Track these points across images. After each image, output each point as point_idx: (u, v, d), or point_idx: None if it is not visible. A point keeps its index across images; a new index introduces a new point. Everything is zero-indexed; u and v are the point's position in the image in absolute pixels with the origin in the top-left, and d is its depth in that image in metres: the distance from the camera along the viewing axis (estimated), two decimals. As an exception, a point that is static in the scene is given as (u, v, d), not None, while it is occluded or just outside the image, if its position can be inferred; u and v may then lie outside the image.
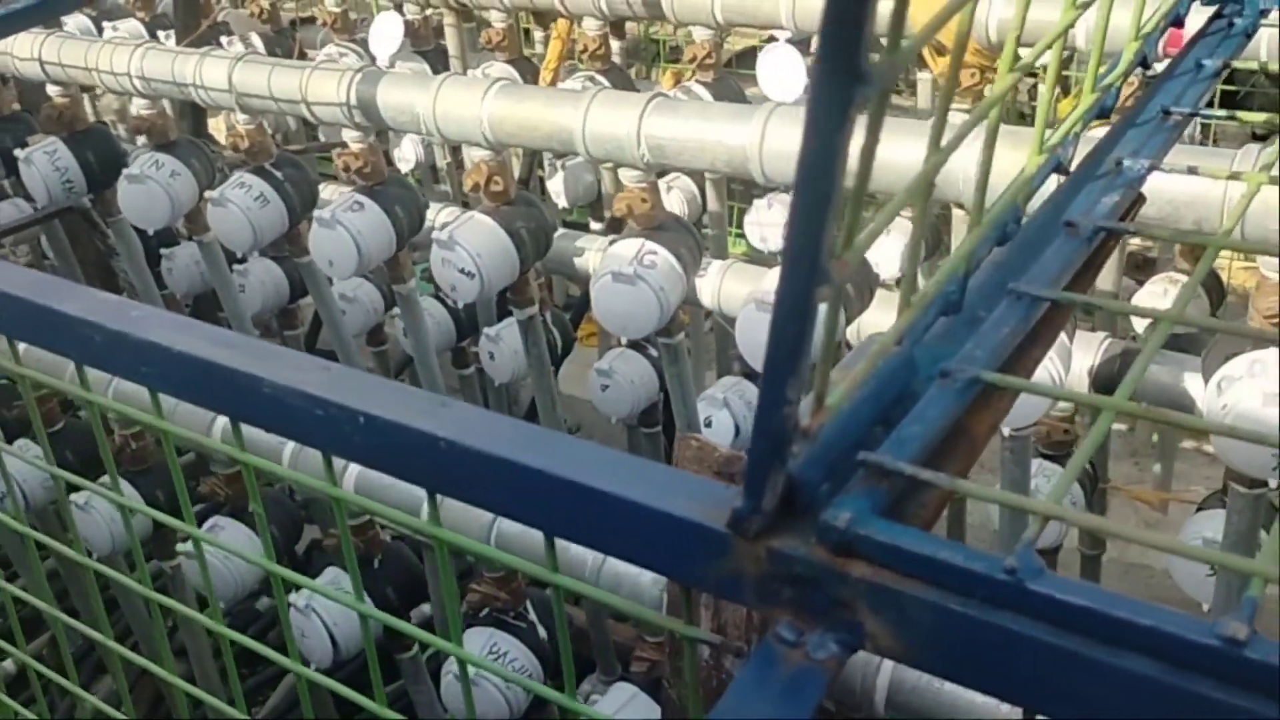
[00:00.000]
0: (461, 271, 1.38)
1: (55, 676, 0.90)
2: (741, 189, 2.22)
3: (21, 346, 0.82)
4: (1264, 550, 1.13)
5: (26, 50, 1.73)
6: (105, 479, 1.45)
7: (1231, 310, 1.98)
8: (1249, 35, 0.73)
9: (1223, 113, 0.64)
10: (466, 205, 1.99)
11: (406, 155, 2.22)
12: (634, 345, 1.70)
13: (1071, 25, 0.48)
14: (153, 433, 1.61)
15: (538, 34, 2.35)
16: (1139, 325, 1.66)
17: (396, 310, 1.98)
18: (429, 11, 2.09)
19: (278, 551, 1.46)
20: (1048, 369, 1.14)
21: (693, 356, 1.81)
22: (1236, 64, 0.78)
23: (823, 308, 0.37)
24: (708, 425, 1.58)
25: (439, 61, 2.07)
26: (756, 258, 1.84)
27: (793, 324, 0.36)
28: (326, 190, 1.75)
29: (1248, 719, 0.34)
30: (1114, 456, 1.98)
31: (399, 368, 2.11)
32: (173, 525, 0.77)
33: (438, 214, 1.74)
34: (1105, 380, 1.32)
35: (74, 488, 1.51)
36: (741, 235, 2.07)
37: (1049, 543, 1.44)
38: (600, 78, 1.80)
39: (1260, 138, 2.72)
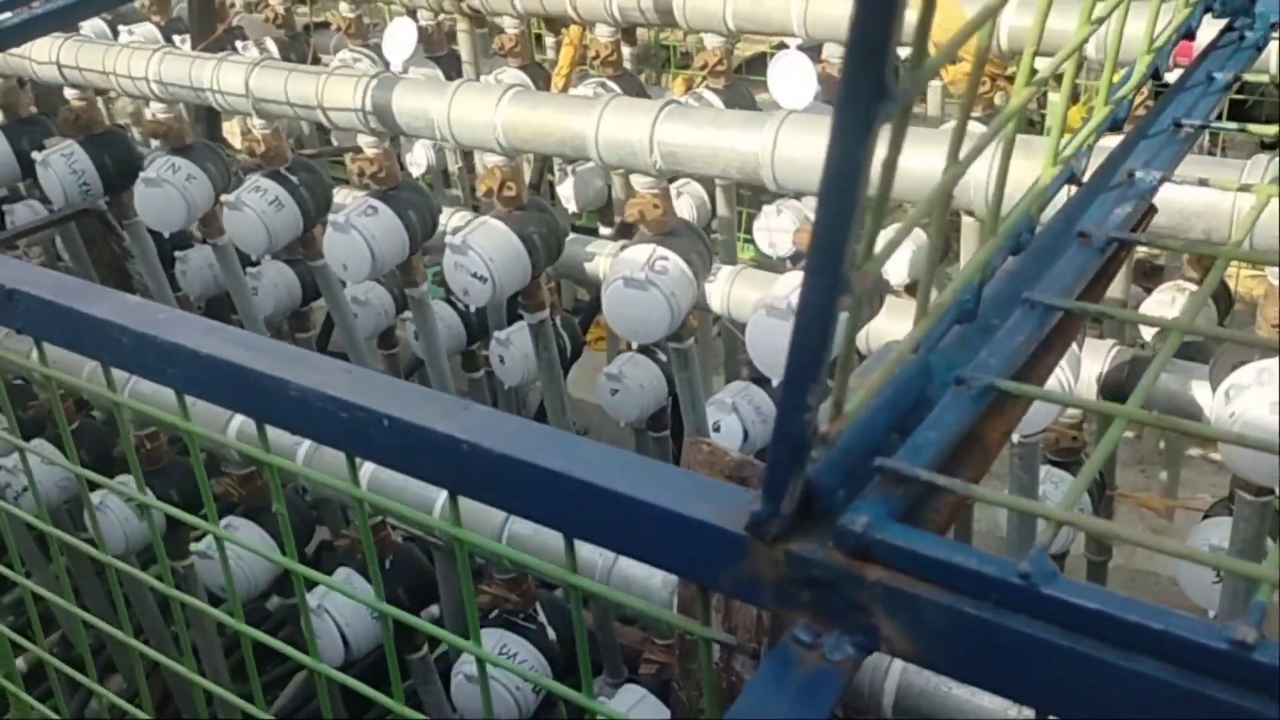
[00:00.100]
0: (474, 276, 1.39)
1: (73, 672, 0.91)
2: (749, 194, 2.23)
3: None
4: (1270, 557, 1.13)
5: (44, 54, 1.75)
6: (122, 478, 1.46)
7: (1239, 318, 1.98)
8: (1260, 48, 0.74)
9: (1234, 125, 0.65)
10: (477, 209, 2.01)
11: (418, 160, 2.24)
12: (643, 350, 1.71)
13: (1087, 39, 0.49)
14: (166, 432, 1.63)
15: (549, 40, 2.37)
16: (1147, 333, 1.67)
17: (407, 313, 1.99)
18: (442, 17, 2.10)
19: (290, 551, 1.47)
20: (1058, 376, 1.15)
21: (700, 361, 1.81)
22: (1245, 75, 0.79)
23: (843, 317, 0.38)
24: (716, 430, 1.59)
25: (452, 67, 2.08)
26: (765, 263, 1.85)
27: (814, 332, 0.37)
28: (339, 194, 1.76)
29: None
30: (1121, 464, 1.98)
31: (409, 370, 2.12)
32: (195, 524, 0.79)
33: (449, 218, 1.75)
34: (1114, 387, 1.33)
35: (92, 487, 1.53)
36: (749, 241, 2.08)
37: (1057, 549, 1.44)
38: (612, 84, 1.81)
39: (1269, 147, 2.72)
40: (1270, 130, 2.07)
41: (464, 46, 2.09)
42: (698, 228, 1.45)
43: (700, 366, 1.68)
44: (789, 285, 1.20)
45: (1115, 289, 1.64)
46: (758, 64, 2.76)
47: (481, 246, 1.38)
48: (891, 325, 1.40)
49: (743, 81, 1.89)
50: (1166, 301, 1.63)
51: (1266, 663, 0.35)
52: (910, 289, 1.82)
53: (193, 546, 1.44)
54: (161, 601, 1.83)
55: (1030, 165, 0.66)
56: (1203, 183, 0.71)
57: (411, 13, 2.07)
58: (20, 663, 1.59)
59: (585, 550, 1.16)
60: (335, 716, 1.62)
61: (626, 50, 1.95)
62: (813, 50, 1.68)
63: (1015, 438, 1.20)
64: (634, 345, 1.63)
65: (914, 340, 0.45)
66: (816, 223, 0.36)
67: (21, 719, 0.99)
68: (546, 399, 1.64)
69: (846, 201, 0.35)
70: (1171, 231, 0.97)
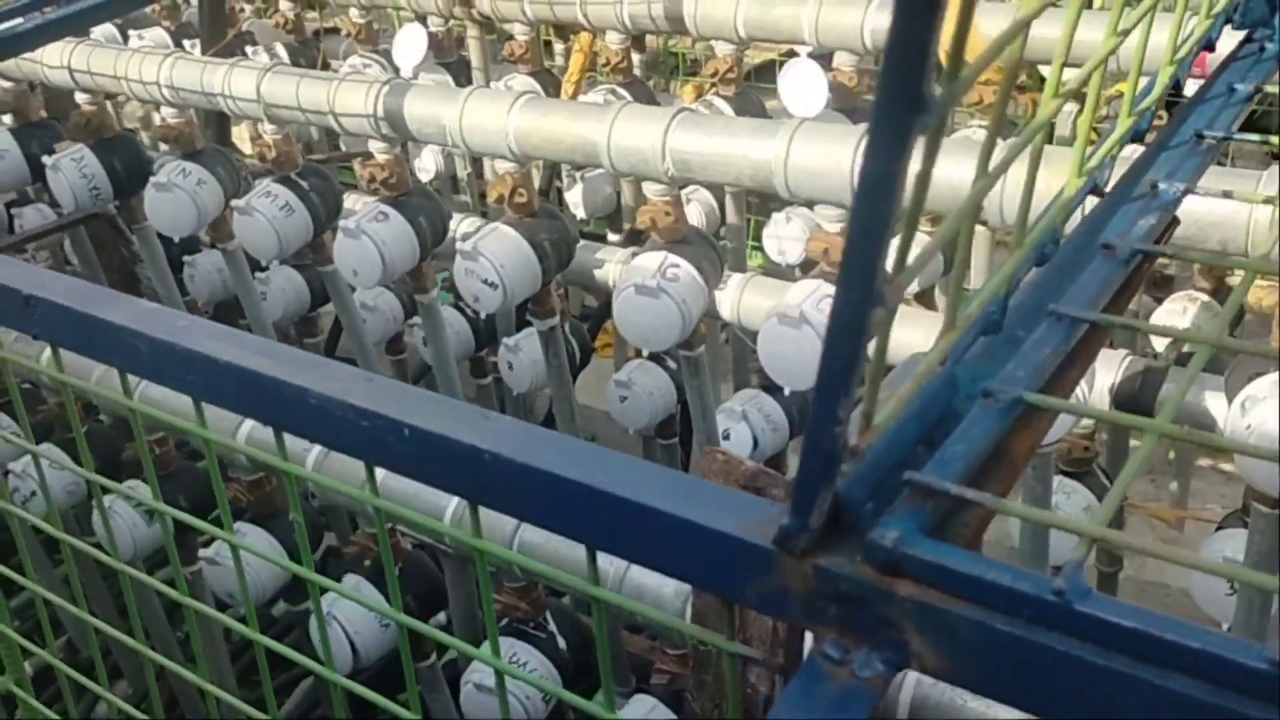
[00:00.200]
0: (485, 282, 1.39)
1: (82, 678, 0.91)
2: (756, 201, 2.23)
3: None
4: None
5: (56, 58, 1.75)
6: (129, 483, 1.45)
7: (1249, 329, 1.98)
8: (1280, 60, 0.74)
9: (1256, 136, 0.65)
10: (485, 215, 2.01)
11: (426, 165, 2.24)
12: (652, 357, 1.70)
13: (1114, 51, 0.49)
14: (174, 437, 1.62)
15: (558, 46, 2.37)
16: (1158, 343, 1.66)
17: (415, 319, 1.99)
18: (451, 24, 2.10)
19: (298, 558, 1.47)
20: (1070, 387, 1.14)
21: (709, 368, 1.81)
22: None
23: (876, 329, 0.37)
24: (726, 438, 1.59)
25: (461, 73, 2.08)
26: (773, 270, 1.85)
27: (846, 345, 0.37)
28: (347, 199, 1.76)
29: (1297, 742, 0.34)
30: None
31: (417, 376, 2.12)
32: (208, 531, 0.78)
33: (459, 224, 1.75)
34: (1127, 398, 1.32)
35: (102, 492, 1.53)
36: (757, 248, 2.08)
37: (1062, 560, 1.44)
38: (622, 91, 1.81)
39: (1278, 157, 2.72)
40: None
41: (474, 53, 2.09)
42: (709, 235, 1.45)
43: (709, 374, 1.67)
44: (801, 294, 1.20)
45: (1126, 299, 1.63)
46: (766, 71, 2.76)
47: (492, 253, 1.38)
48: (902, 333, 1.40)
49: (752, 89, 1.89)
50: (1178, 312, 1.62)
51: (1307, 683, 0.34)
52: (919, 297, 1.82)
53: (202, 552, 1.43)
54: (168, 607, 1.83)
55: (1045, 175, 0.65)
56: (1227, 195, 0.71)
57: (421, 19, 2.08)
58: (26, 667, 1.60)
59: (600, 559, 1.16)
60: (343, 723, 1.62)
61: (636, 57, 1.95)
62: (823, 58, 1.68)
63: (1028, 448, 1.19)
64: (645, 353, 1.63)
65: (942, 352, 0.44)
66: (849, 235, 0.35)
67: (30, 723, 0.99)
68: (556, 406, 1.64)
69: (880, 214, 0.34)
70: (1188, 242, 0.97)
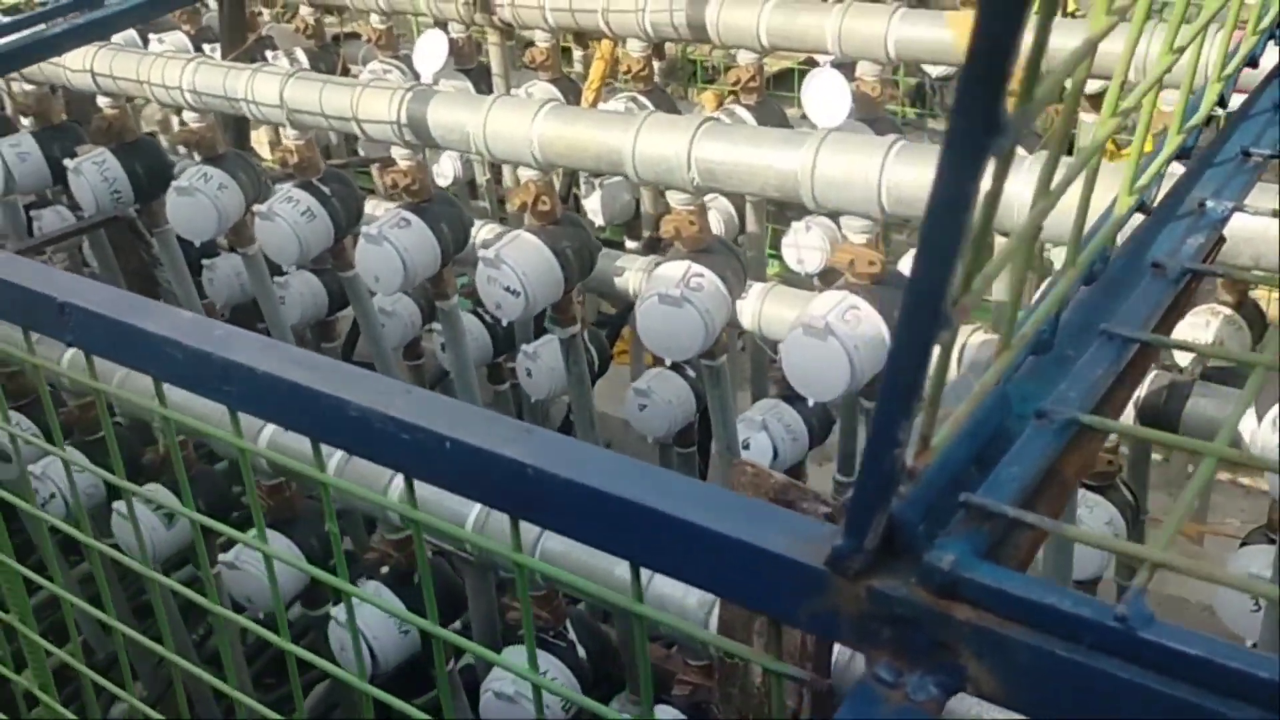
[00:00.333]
0: (507, 289, 1.39)
1: (102, 680, 0.91)
2: (773, 210, 2.23)
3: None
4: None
5: (79, 62, 1.76)
6: (150, 486, 1.45)
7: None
8: (1325, 76, 0.73)
9: (1303, 153, 0.64)
10: (504, 221, 2.01)
11: (445, 171, 2.24)
12: (672, 365, 1.70)
13: (1169, 70, 0.48)
14: (191, 439, 1.62)
15: (576, 53, 2.37)
16: (1180, 358, 1.65)
17: (433, 325, 1.99)
18: (472, 30, 2.11)
19: (319, 563, 1.47)
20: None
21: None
22: None
23: (937, 351, 0.37)
24: (745, 447, 1.58)
25: (481, 79, 2.08)
26: (790, 279, 1.84)
27: (910, 367, 0.37)
28: (366, 205, 1.76)
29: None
30: (1149, 487, 1.96)
31: (434, 382, 2.12)
32: (237, 538, 0.78)
33: (478, 231, 1.75)
34: (1152, 412, 1.32)
35: (116, 496, 1.53)
36: (775, 256, 2.07)
37: (1090, 574, 1.43)
38: (643, 98, 1.81)
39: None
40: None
41: (494, 59, 2.09)
42: (732, 245, 1.44)
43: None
44: (826, 305, 1.20)
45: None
46: (784, 80, 2.76)
47: (515, 260, 1.37)
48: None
49: (772, 98, 1.88)
50: (1201, 325, 1.61)
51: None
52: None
53: (222, 557, 1.43)
54: (182, 610, 1.83)
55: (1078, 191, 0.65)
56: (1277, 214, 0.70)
57: (442, 25, 2.08)
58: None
59: (619, 569, 1.15)
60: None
61: (656, 65, 1.95)
62: (842, 67, 1.68)
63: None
64: (667, 361, 1.63)
65: (998, 372, 0.44)
66: (919, 256, 0.35)
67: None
68: (576, 413, 1.64)
69: (951, 236, 0.34)
70: (1220, 258, 0.96)
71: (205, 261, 2.00)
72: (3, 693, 1.50)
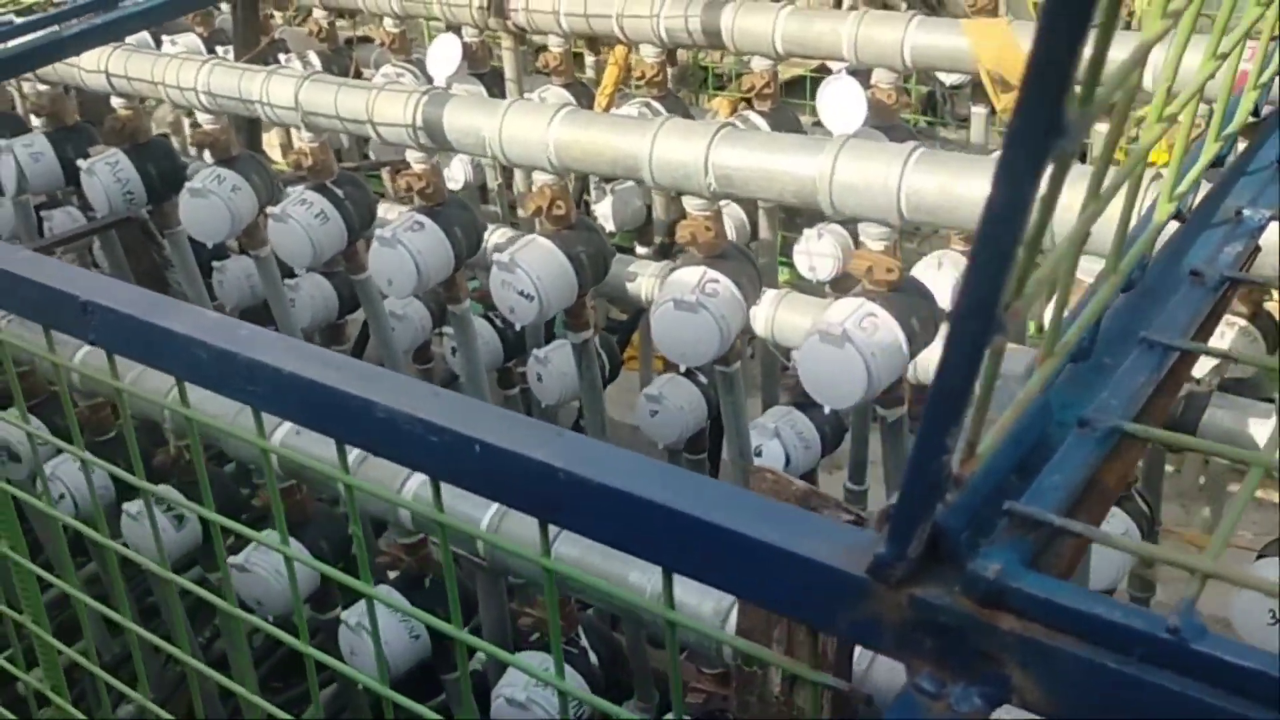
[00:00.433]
0: (521, 294, 1.38)
1: (115, 681, 0.91)
2: (783, 217, 2.22)
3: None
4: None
5: (93, 62, 1.76)
6: (161, 488, 1.45)
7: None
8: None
9: (1338, 163, 0.64)
10: (515, 226, 2.00)
11: (455, 175, 2.24)
12: (684, 371, 1.69)
13: (1212, 76, 0.48)
14: (202, 440, 1.62)
15: (589, 59, 2.37)
16: (1196, 368, 1.64)
17: (442, 329, 1.99)
18: (485, 34, 2.11)
19: (330, 566, 1.46)
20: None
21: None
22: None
23: (987, 355, 0.36)
24: (758, 454, 1.57)
25: (494, 84, 2.08)
26: (801, 286, 1.84)
27: (961, 373, 0.36)
28: (378, 208, 1.76)
29: None
30: (1162, 498, 1.95)
31: (443, 385, 2.11)
32: (254, 538, 0.78)
33: (490, 235, 1.74)
34: (1169, 422, 1.31)
35: (126, 497, 1.52)
36: (785, 263, 2.07)
37: (1104, 585, 1.42)
38: (656, 104, 1.81)
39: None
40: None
41: (508, 64, 2.09)
42: (748, 251, 1.44)
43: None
44: (843, 312, 1.19)
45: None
46: (796, 88, 2.76)
47: (529, 265, 1.37)
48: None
49: (785, 105, 1.88)
50: (1216, 336, 1.61)
51: None
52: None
53: (231, 559, 1.42)
54: (189, 611, 1.83)
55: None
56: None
57: (455, 29, 2.08)
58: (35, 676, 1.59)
59: (634, 574, 1.14)
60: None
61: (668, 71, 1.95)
62: (856, 74, 1.67)
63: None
64: (681, 368, 1.62)
65: (1043, 380, 0.43)
66: (972, 259, 0.34)
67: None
68: (588, 419, 1.63)
69: (1006, 239, 0.33)
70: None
71: (215, 263, 1.99)
72: (11, 692, 1.49)
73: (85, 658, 0.94)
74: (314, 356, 0.60)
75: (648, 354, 2.30)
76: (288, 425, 1.21)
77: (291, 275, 1.92)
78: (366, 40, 2.45)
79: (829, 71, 1.82)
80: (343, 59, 2.26)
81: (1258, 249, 0.60)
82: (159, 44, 2.26)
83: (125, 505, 1.51)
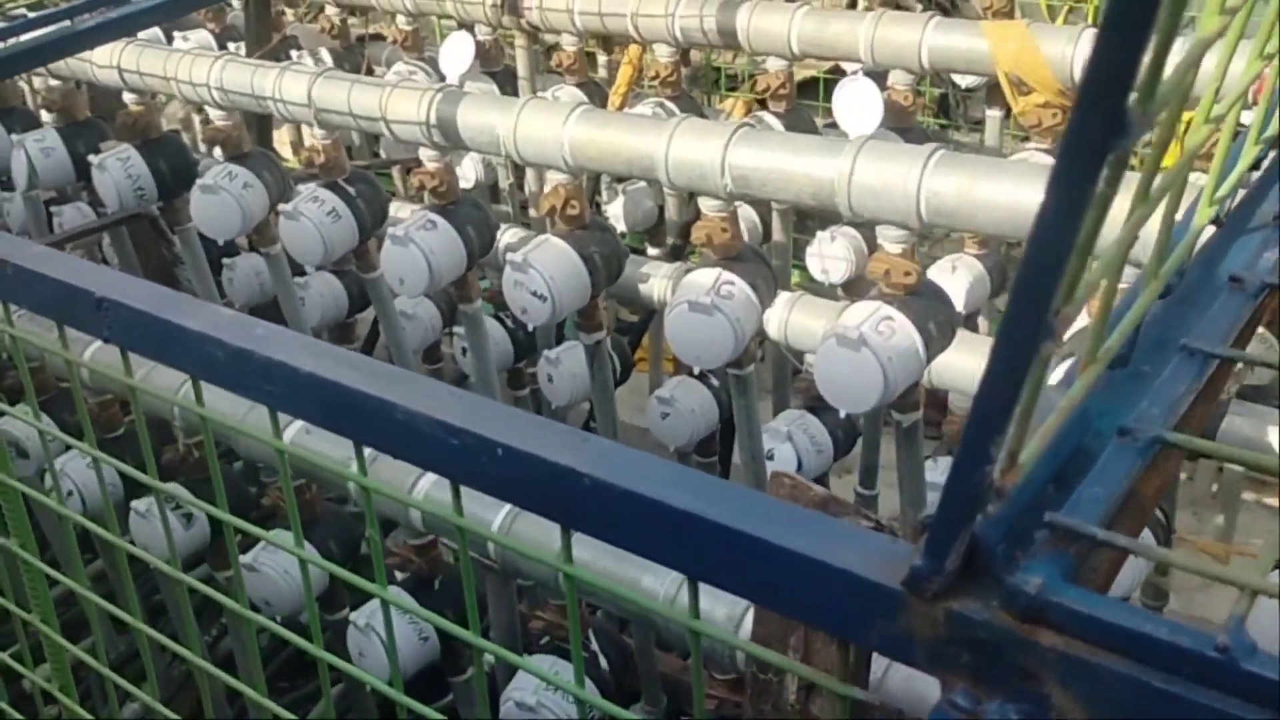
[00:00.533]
0: (534, 294, 1.37)
1: (122, 681, 0.90)
2: (795, 219, 2.21)
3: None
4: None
5: (105, 58, 1.75)
6: (169, 486, 1.44)
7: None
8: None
9: (1375, 168, 0.62)
10: (527, 225, 1.99)
11: (466, 174, 2.23)
12: (695, 374, 1.68)
13: (1258, 77, 0.47)
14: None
15: (601, 58, 2.36)
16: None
17: (452, 328, 1.98)
18: (498, 33, 2.10)
19: (338, 566, 1.45)
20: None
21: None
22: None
23: (1039, 364, 0.35)
24: (770, 458, 1.56)
25: (506, 82, 2.07)
26: (813, 289, 1.82)
27: (1009, 380, 0.35)
28: (390, 207, 1.75)
29: None
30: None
31: (453, 385, 2.10)
32: (266, 539, 0.77)
33: (502, 235, 1.73)
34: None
35: (134, 495, 1.51)
36: (798, 265, 2.05)
37: (1121, 593, 1.41)
38: (670, 104, 1.80)
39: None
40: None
41: (521, 62, 2.08)
42: (763, 253, 1.43)
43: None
44: (860, 315, 1.18)
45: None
46: (808, 89, 2.74)
47: (542, 265, 1.36)
48: (960, 359, 1.37)
49: (801, 106, 1.87)
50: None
51: None
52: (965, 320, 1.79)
53: (241, 559, 1.41)
54: (196, 608, 1.82)
55: (1122, 201, 0.63)
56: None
57: (468, 27, 2.07)
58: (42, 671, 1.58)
59: (646, 578, 1.13)
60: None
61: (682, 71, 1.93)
62: (878, 76, 1.66)
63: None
64: (695, 370, 1.61)
65: (1085, 388, 0.42)
66: (1025, 262, 0.33)
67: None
68: (599, 421, 1.62)
69: (1062, 242, 0.32)
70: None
71: (225, 261, 1.99)
72: (17, 688, 1.48)
73: (92, 656, 0.93)
74: (332, 356, 0.59)
75: (658, 355, 2.29)
76: (298, 423, 1.20)
77: (301, 273, 1.92)
78: (378, 38, 2.45)
79: (842, 73, 1.81)
80: (354, 56, 2.26)
81: (1295, 256, 0.59)
82: (170, 40, 2.26)
83: (134, 503, 1.50)
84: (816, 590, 0.44)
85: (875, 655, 0.53)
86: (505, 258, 1.40)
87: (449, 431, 0.53)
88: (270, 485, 1.60)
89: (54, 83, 1.91)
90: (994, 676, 0.40)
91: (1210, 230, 0.59)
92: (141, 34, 2.17)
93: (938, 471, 1.43)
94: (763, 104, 1.83)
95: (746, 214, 1.92)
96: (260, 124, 2.06)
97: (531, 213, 2.12)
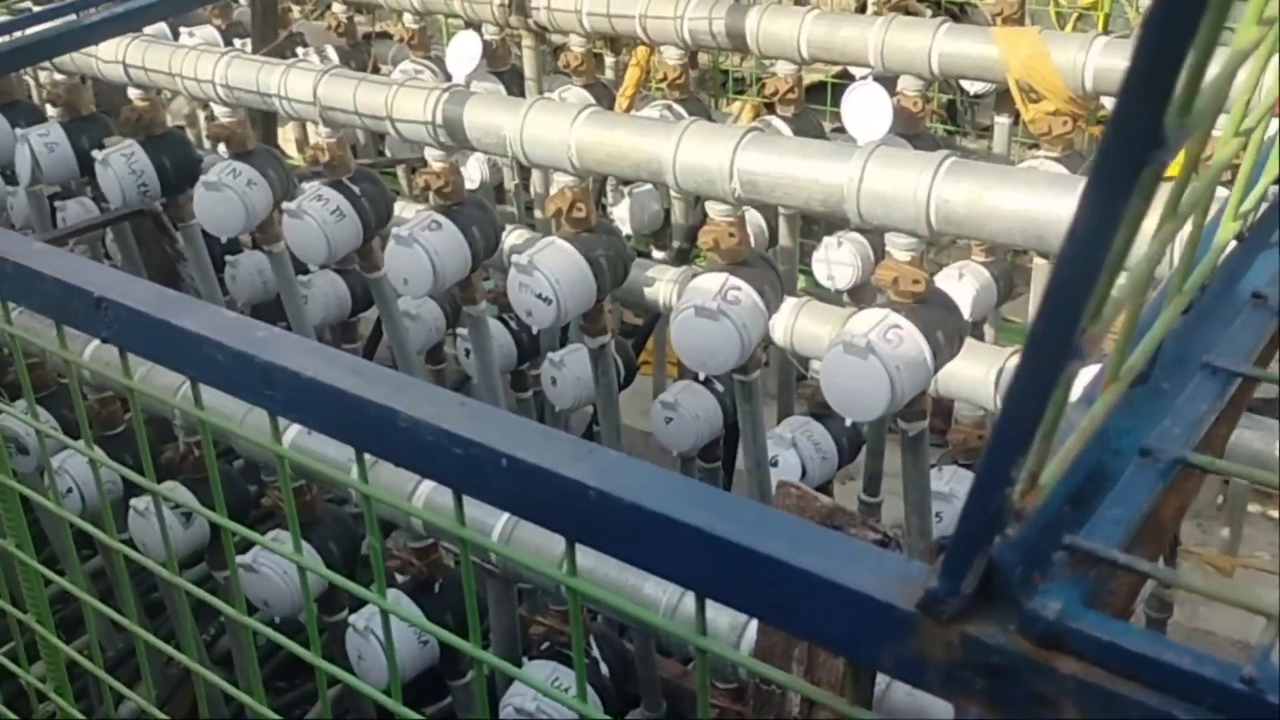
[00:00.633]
0: (538, 296, 1.36)
1: (114, 682, 0.89)
2: (800, 224, 2.20)
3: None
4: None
5: (111, 53, 1.74)
6: (168, 484, 1.43)
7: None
8: None
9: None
10: (532, 227, 1.98)
11: (471, 174, 2.22)
12: (700, 379, 1.67)
13: (1287, 89, 0.45)
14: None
15: (609, 59, 2.35)
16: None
17: (455, 329, 1.97)
18: (505, 33, 2.09)
19: (337, 568, 1.44)
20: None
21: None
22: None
23: (1064, 383, 0.34)
24: (773, 464, 1.55)
25: (513, 83, 2.06)
26: (818, 294, 1.81)
27: (1033, 399, 0.34)
28: (394, 206, 1.74)
29: None
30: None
31: (455, 387, 2.09)
32: (264, 544, 0.76)
33: (506, 236, 1.72)
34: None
35: (133, 493, 1.50)
36: (803, 270, 2.04)
37: (1124, 607, 1.40)
38: (678, 107, 1.79)
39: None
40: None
41: (528, 63, 2.07)
42: (770, 258, 1.42)
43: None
44: (867, 323, 1.17)
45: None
46: (815, 93, 2.73)
47: (548, 267, 1.35)
48: (965, 367, 1.36)
49: (809, 110, 1.86)
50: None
51: None
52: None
53: (240, 559, 1.40)
54: (194, 607, 1.81)
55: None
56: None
57: (476, 26, 2.06)
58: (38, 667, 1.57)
59: (648, 586, 1.12)
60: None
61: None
62: (888, 81, 1.65)
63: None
64: (700, 376, 1.60)
65: (1107, 406, 0.41)
66: (1054, 278, 0.32)
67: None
68: (603, 425, 1.61)
69: (1093, 259, 0.31)
70: None
71: (228, 258, 1.98)
72: (11, 686, 1.47)
73: (88, 657, 0.92)
74: (334, 360, 0.58)
75: (662, 359, 2.28)
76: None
77: (304, 271, 1.91)
78: (385, 36, 2.44)
79: (851, 77, 1.80)
80: (361, 54, 2.25)
81: (1319, 271, 0.57)
82: (176, 35, 2.25)
83: (133, 501, 1.49)
84: (828, 610, 0.43)
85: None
86: (510, 259, 1.39)
87: (453, 441, 0.52)
88: (270, 485, 1.59)
89: (59, 77, 1.90)
90: (1010, 702, 0.39)
91: (1232, 245, 0.57)
92: (147, 29, 2.16)
93: (942, 480, 1.42)
94: (770, 108, 1.82)
95: (753, 218, 1.91)
96: (265, 121, 2.05)
97: (537, 214, 2.11)
